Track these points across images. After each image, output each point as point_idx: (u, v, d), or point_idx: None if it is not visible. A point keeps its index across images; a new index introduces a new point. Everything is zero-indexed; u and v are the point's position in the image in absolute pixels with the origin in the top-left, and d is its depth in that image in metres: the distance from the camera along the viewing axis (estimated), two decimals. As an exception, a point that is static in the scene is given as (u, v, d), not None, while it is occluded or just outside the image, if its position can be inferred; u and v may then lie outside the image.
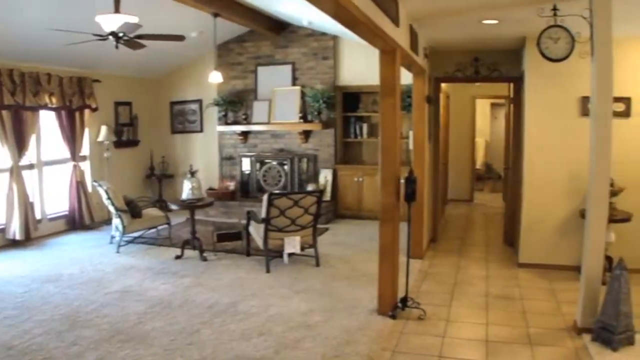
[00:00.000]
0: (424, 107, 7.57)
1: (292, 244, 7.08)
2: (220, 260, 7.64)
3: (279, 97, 10.83)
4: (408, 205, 5.52)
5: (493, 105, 16.25)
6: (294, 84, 10.87)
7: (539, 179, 7.16)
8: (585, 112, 6.74)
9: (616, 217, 6.38)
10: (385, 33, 4.60)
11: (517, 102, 8.23)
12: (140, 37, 6.89)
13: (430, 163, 8.52)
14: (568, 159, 6.98)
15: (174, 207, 7.96)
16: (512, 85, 8.53)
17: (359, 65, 10.29)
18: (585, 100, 6.72)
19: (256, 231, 7.30)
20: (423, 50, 7.25)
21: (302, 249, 7.22)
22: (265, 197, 6.89)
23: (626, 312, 4.73)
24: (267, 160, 11.13)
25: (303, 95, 10.69)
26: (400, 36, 5.31)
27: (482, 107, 15.55)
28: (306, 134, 10.80)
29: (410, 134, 7.54)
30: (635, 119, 6.81)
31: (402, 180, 5.46)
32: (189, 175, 7.80)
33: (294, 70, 10.91)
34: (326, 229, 9.63)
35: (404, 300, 5.58)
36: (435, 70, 8.38)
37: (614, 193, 6.36)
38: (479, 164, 15.57)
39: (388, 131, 5.27)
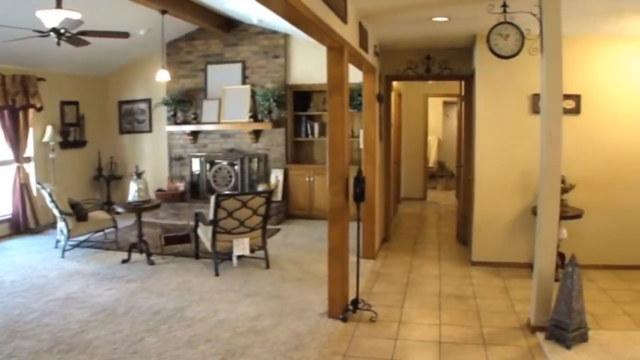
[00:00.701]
0: (375, 105, 7.47)
1: (241, 246, 6.90)
2: (168, 263, 7.40)
3: (229, 96, 10.61)
4: (357, 206, 5.38)
5: (445, 103, 16.35)
6: (244, 83, 10.68)
7: (490, 177, 7.15)
8: (536, 110, 6.75)
9: (568, 214, 6.38)
10: (332, 30, 4.46)
11: (468, 100, 8.20)
12: (83, 33, 6.62)
13: (382, 162, 8.44)
14: (519, 157, 6.98)
15: (119, 209, 7.67)
16: (463, 83, 8.51)
17: (310, 63, 10.16)
18: (535, 97, 6.71)
19: (204, 233, 7.10)
20: (373, 48, 7.14)
21: (252, 251, 7.04)
22: (212, 199, 6.69)
23: (579, 309, 4.71)
24: (217, 161, 10.92)
25: (253, 94, 10.50)
26: (348, 33, 5.18)
27: (435, 105, 15.59)
28: (257, 134, 10.62)
29: (361, 132, 7.41)
30: (585, 116, 6.84)
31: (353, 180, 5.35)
32: (135, 177, 7.53)
33: (244, 68, 10.72)
34: (277, 230, 9.47)
35: (355, 302, 5.45)
36: (386, 69, 8.30)
37: (565, 190, 6.37)
38: (431, 162, 15.63)
39: (336, 130, 5.13)
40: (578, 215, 6.53)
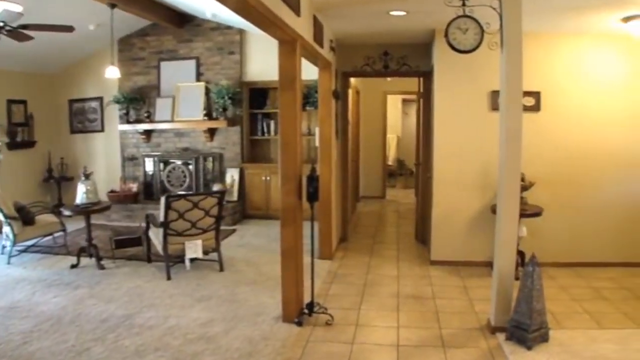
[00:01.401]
0: (331, 102, 7.28)
1: (194, 248, 6.65)
2: (119, 268, 7.08)
3: (183, 94, 10.32)
4: (311, 206, 5.18)
5: (404, 101, 16.28)
6: (198, 80, 10.40)
7: (449, 175, 7.03)
8: (495, 107, 6.67)
9: (527, 212, 6.30)
10: (283, 22, 4.26)
11: (426, 97, 8.09)
12: (25, 27, 6.29)
13: (339, 160, 8.27)
14: (478, 154, 6.90)
15: (67, 212, 7.28)
16: (421, 80, 8.37)
17: (267, 60, 9.90)
18: (495, 94, 6.66)
19: (156, 236, 6.82)
20: (329, 43, 6.97)
21: (206, 253, 6.80)
22: (162, 200, 6.42)
23: (539, 309, 4.62)
24: (171, 160, 10.59)
25: (208, 91, 10.23)
26: (301, 26, 4.98)
27: (394, 103, 15.52)
28: (211, 132, 10.36)
29: (317, 130, 7.22)
30: (545, 114, 6.78)
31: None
32: (83, 178, 7.17)
33: (198, 65, 10.44)
34: (233, 231, 9.24)
35: (311, 305, 5.25)
36: (343, 65, 8.12)
37: (524, 187, 6.31)
38: (390, 160, 15.56)
39: (288, 127, 4.93)
40: (537, 213, 6.45)
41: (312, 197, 5.06)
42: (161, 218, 6.48)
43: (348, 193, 9.02)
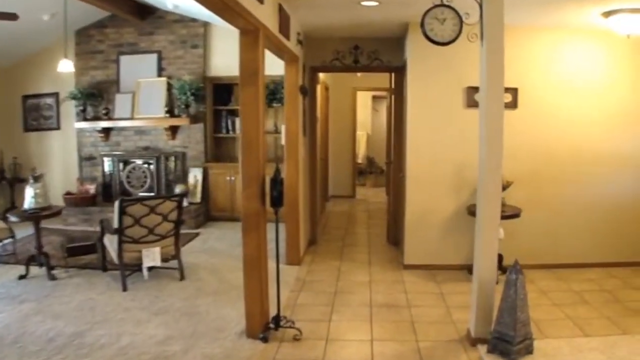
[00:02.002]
0: (298, 98, 6.85)
1: (151, 256, 6.18)
2: (72, 278, 6.54)
3: (144, 90, 9.83)
4: (275, 211, 4.75)
5: (375, 98, 15.96)
6: (159, 75, 9.92)
7: (422, 174, 6.69)
8: (471, 103, 6.40)
9: (506, 213, 5.96)
10: (244, 9, 3.84)
11: (398, 93, 7.75)
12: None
13: (307, 159, 7.87)
14: (453, 153, 6.59)
15: (13, 218, 6.64)
16: (393, 75, 8.00)
17: (232, 54, 9.08)
18: (470, 90, 6.38)
19: (111, 243, 6.30)
20: (296, 36, 6.56)
21: (165, 260, 6.35)
22: (116, 205, 5.93)
23: (524, 319, 4.29)
24: (131, 160, 10.03)
25: (170, 87, 9.74)
26: (265, 15, 4.56)
27: (364, 99, 15.20)
28: (173, 130, 9.87)
29: (283, 128, 6.81)
30: (523, 110, 6.49)
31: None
32: (31, 181, 6.59)
33: (160, 59, 9.96)
34: (196, 234, 8.78)
35: (277, 319, 4.83)
36: (311, 59, 7.72)
37: (502, 187, 6.00)
38: (360, 158, 15.22)
39: (250, 124, 4.47)
40: (516, 215, 6.17)
41: (276, 201, 4.63)
42: (115, 224, 6.01)
43: (317, 193, 8.62)
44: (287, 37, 5.80)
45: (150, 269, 6.34)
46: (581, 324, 5.04)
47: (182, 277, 6.43)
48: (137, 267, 6.30)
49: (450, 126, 6.56)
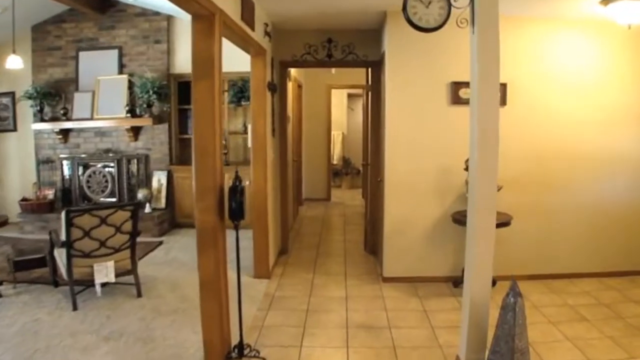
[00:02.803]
0: (266, 95, 6.21)
1: (104, 272, 5.52)
2: (20, 295, 5.83)
3: (104, 88, 9.14)
4: (235, 225, 4.12)
5: (350, 96, 15.36)
6: (120, 72, 9.22)
7: (402, 179, 6.11)
8: (456, 100, 5.86)
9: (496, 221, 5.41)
10: (195, -13, 3.22)
11: (375, 89, 7.17)
12: None
13: (276, 161, 7.23)
14: (437, 155, 6.04)
15: None
16: (370, 70, 7.41)
17: None
18: (455, 86, 5.84)
19: (60, 257, 5.63)
20: (264, 27, 5.95)
21: (121, 275, 5.69)
22: (62, 215, 5.26)
23: (522, 348, 3.70)
24: (91, 163, 9.30)
25: (131, 85, 9.05)
26: (223, -2, 3.95)
27: (339, 97, 14.60)
28: (135, 131, 9.19)
29: (249, 128, 6.19)
30: (512, 108, 5.95)
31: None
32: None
33: (121, 55, 9.27)
34: (159, 243, 8.11)
35: (240, 347, 4.20)
36: (280, 53, 7.10)
37: None
38: (336, 158, 14.63)
39: (204, 126, 3.82)
40: (506, 223, 5.61)
41: (235, 214, 3.98)
42: (63, 236, 5.33)
43: (288, 198, 8.00)
44: (252, 26, 5.18)
45: (104, 284, 5.66)
46: (582, 346, 4.50)
47: (139, 294, 5.78)
48: (89, 282, 5.61)
49: (433, 125, 6.01)
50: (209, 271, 3.93)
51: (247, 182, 4.79)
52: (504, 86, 5.87)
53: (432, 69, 5.93)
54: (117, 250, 5.61)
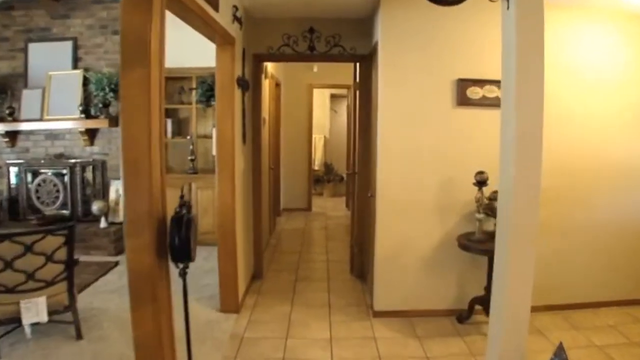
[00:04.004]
0: (235, 93, 5.15)
1: (34, 309, 4.42)
2: None
3: (55, 85, 8.02)
4: (180, 271, 3.03)
5: (333, 96, 14.34)
6: (75, 67, 8.11)
7: (397, 193, 5.12)
8: (463, 101, 4.90)
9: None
10: None
11: (365, 88, 6.18)
12: None
13: (248, 171, 6.17)
14: (439, 166, 5.07)
15: None
16: (358, 66, 6.41)
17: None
18: (462, 84, 4.88)
19: (-20, 289, 4.54)
20: (232, 10, 4.92)
21: (56, 313, 4.61)
22: (-26, 242, 4.19)
23: None
24: (42, 170, 8.18)
25: (87, 81, 7.96)
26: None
27: (321, 98, 13.60)
28: (91, 134, 8.09)
29: (214, 133, 5.15)
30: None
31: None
32: None
33: (75, 47, 8.16)
34: (115, 264, 7.02)
35: None
36: (254, 45, 6.09)
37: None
38: (317, 164, 13.61)
39: (136, 131, 2.79)
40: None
41: (178, 253, 2.93)
42: (-23, 267, 4.26)
43: (263, 213, 6.92)
44: (216, 7, 4.14)
45: (35, 324, 4.59)
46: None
47: (78, 336, 4.71)
48: (17, 322, 4.53)
49: (435, 131, 5.02)
50: (146, 333, 2.86)
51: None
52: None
53: (434, 64, 4.95)
54: (49, 284, 4.52)
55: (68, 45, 8.18)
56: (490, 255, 4.70)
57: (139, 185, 2.72)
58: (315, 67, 10.64)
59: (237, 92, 5.26)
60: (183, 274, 2.97)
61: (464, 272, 5.20)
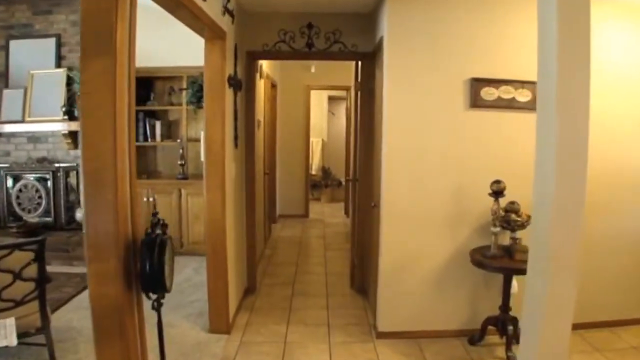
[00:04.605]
0: (225, 93, 4.65)
1: (2, 332, 3.93)
2: None
3: (38, 84, 7.57)
4: (154, 304, 2.60)
5: (331, 98, 13.89)
6: (59, 65, 7.66)
7: (404, 203, 4.66)
8: (476, 103, 4.47)
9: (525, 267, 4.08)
10: None
11: (367, 88, 5.73)
12: None
13: (241, 178, 5.71)
14: (449, 174, 4.63)
15: None
16: (360, 64, 5.96)
17: (152, 38, 7.34)
18: (475, 84, 4.47)
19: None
20: (223, 2, 4.46)
21: (28, 334, 4.14)
22: None
23: None
24: (23, 175, 7.72)
25: (71, 80, 7.50)
26: None
27: (319, 100, 13.15)
28: (76, 137, 7.61)
29: (202, 136, 4.69)
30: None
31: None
32: None
33: (59, 45, 7.71)
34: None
35: None
36: (248, 41, 5.64)
37: (520, 224, 4.21)
38: (314, 169, 13.16)
39: (96, 135, 2.27)
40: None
41: (151, 282, 2.45)
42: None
43: (257, 221, 6.45)
44: (203, -5, 3.70)
45: (3, 347, 4.12)
46: None
47: (51, 359, 4.26)
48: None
49: (446, 136, 4.58)
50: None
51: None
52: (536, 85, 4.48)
53: (446, 62, 4.51)
54: (18, 304, 4.05)
55: (51, 42, 7.75)
56: (506, 272, 4.27)
57: (102, 201, 2.24)
58: (313, 67, 10.19)
59: (229, 92, 4.80)
60: (157, 307, 2.50)
61: (477, 290, 4.75)
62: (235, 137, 5.17)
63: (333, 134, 14.03)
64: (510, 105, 4.47)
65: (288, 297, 5.95)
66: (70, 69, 7.55)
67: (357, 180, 6.14)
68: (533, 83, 4.43)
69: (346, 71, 9.37)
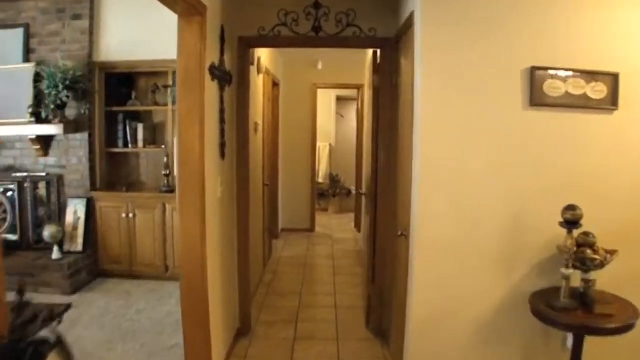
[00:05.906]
0: (205, 87, 3.49)
1: None
2: None
3: (3, 82, 6.54)
4: None
5: (339, 99, 12.83)
6: (27, 60, 6.62)
7: (441, 232, 3.53)
8: (538, 100, 3.34)
9: (609, 325, 3.00)
10: None
11: (388, 83, 4.61)
12: None
13: (232, 196, 4.60)
14: (502, 196, 3.49)
15: None
16: (379, 53, 4.86)
17: (134, 28, 6.54)
18: (537, 74, 3.38)
19: None
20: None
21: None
22: None
23: None
24: (-14, 186, 6.69)
25: (40, 77, 6.42)
26: None
27: (326, 100, 12.08)
28: (45, 142, 6.59)
29: (175, 143, 3.57)
30: (627, 113, 3.44)
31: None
32: None
33: (27, 36, 6.67)
34: (66, 308, 5.35)
35: None
36: (241, 25, 4.56)
37: (598, 263, 3.12)
38: (321, 176, 12.08)
39: None
40: (630, 325, 3.04)
41: None
42: None
43: (250, 247, 5.24)
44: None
45: None
46: None
47: None
48: None
49: (498, 144, 3.44)
50: None
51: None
52: (614, 78, 3.35)
53: (497, 47, 3.38)
54: None
55: (18, 33, 6.71)
56: (580, 332, 3.15)
57: None
58: (320, 63, 9.12)
59: (212, 86, 3.69)
60: None
61: (534, 345, 3.61)
62: (222, 145, 4.05)
63: (341, 138, 12.97)
64: (582, 104, 3.36)
65: (290, 341, 4.81)
66: (39, 63, 6.49)
67: (376, 195, 5.00)
68: (611, 74, 3.37)
69: (358, 68, 8.37)
